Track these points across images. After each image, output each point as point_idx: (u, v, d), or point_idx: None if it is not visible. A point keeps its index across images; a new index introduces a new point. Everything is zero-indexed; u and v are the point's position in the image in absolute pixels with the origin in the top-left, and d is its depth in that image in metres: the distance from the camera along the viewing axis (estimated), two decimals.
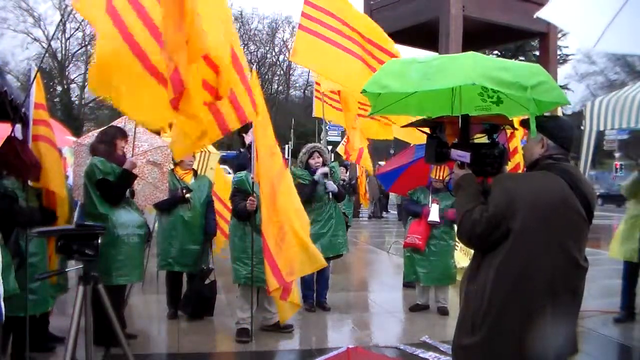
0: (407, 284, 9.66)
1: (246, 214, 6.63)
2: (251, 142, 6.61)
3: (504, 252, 3.24)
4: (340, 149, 15.54)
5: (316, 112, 10.63)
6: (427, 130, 3.82)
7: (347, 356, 6.29)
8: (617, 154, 36.12)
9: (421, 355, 6.47)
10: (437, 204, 8.08)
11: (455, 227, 7.37)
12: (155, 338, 6.95)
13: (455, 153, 3.50)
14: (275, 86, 56.89)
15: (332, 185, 7.99)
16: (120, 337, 4.16)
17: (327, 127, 40.77)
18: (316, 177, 7.94)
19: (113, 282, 5.90)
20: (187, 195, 7.32)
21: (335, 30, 7.65)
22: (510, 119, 3.82)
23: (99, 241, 3.92)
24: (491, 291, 3.27)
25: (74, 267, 3.96)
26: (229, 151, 19.86)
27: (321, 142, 34.45)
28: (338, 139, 42.84)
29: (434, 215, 8.05)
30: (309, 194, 7.78)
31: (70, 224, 5.74)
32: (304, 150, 8.29)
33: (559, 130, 3.46)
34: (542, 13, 4.75)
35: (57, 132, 6.38)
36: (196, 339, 6.79)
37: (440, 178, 8.04)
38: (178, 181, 7.44)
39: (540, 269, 3.24)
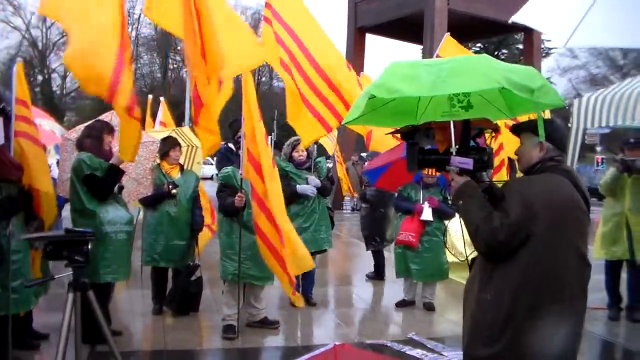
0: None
1: (234, 210, 6.56)
2: (240, 137, 6.54)
3: (527, 257, 3.22)
4: (324, 142, 15.47)
5: None
6: (397, 136, 3.79)
7: (334, 353, 6.29)
8: (598, 148, 36.27)
9: (408, 352, 6.45)
10: (430, 203, 8.06)
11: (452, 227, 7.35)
12: (141, 334, 6.88)
13: (456, 160, 3.45)
14: (258, 77, 56.67)
15: (314, 181, 7.92)
16: (107, 335, 4.11)
17: None
18: (299, 189, 7.87)
19: (100, 279, 5.83)
20: (173, 191, 7.23)
21: (290, 57, 7.17)
22: (495, 122, 3.82)
23: (89, 247, 3.84)
24: (514, 299, 3.25)
25: (63, 274, 3.88)
26: None
27: None
28: None
29: (427, 214, 8.03)
30: (291, 196, 7.70)
31: (57, 222, 5.65)
32: (287, 142, 8.19)
33: (556, 132, 3.45)
34: (518, 17, 4.85)
35: (43, 127, 6.28)
36: (182, 335, 6.73)
37: (432, 174, 8.01)
38: (164, 176, 7.35)
39: (562, 272, 3.25)
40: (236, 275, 6.66)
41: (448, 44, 9.49)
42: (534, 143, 3.47)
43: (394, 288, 9.34)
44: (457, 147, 3.52)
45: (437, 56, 9.13)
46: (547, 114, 7.13)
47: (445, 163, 3.56)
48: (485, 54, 3.42)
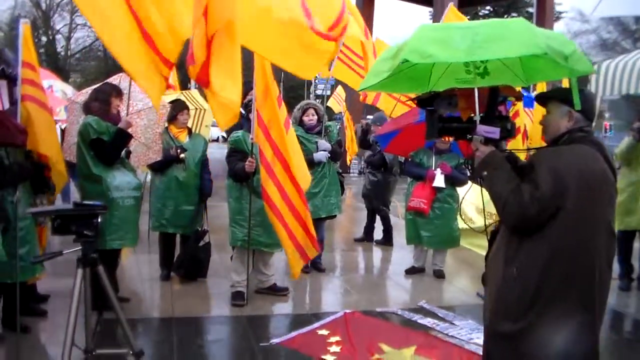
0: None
1: (244, 176, 6.43)
2: (251, 100, 6.40)
3: (556, 232, 3.09)
4: (331, 103, 15.29)
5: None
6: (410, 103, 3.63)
7: (345, 321, 6.23)
8: (606, 114, 35.96)
9: (420, 321, 6.39)
10: (442, 170, 7.92)
11: (467, 195, 7.20)
12: (149, 301, 6.80)
13: (482, 129, 3.30)
14: None
15: (325, 145, 7.79)
16: (116, 307, 4.00)
17: (316, 81, 40.52)
18: (316, 158, 7.76)
19: (106, 245, 5.73)
20: (182, 155, 7.09)
21: None
22: (517, 89, 3.67)
23: (99, 220, 3.68)
24: (542, 275, 3.13)
25: (71, 250, 3.74)
26: None
27: (310, 96, 34.03)
28: (328, 92, 42.58)
29: (439, 180, 7.89)
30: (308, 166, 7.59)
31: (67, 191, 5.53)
32: (298, 106, 8.07)
33: (586, 102, 3.28)
34: None
35: (54, 89, 6.12)
36: (190, 302, 6.66)
37: (446, 139, 7.85)
38: (172, 140, 7.21)
39: (593, 247, 3.14)
40: (245, 242, 6.57)
41: (451, 15, 9.33)
42: (562, 112, 3.32)
43: (403, 254, 9.33)
44: (481, 115, 3.36)
45: None
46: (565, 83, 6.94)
47: (467, 131, 3.41)
48: (521, 18, 3.22)
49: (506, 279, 3.26)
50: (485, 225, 4.25)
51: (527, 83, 3.78)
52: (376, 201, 10.14)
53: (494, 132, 3.27)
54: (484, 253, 9.03)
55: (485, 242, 9.08)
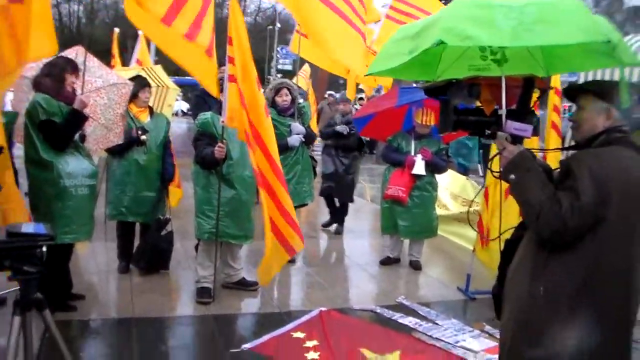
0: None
1: (213, 162, 5.86)
2: (222, 78, 5.84)
3: (595, 248, 2.65)
4: (300, 82, 14.74)
5: (293, 47, 9.64)
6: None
7: (321, 322, 5.79)
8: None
9: (400, 320, 5.96)
10: (423, 155, 7.43)
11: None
12: (105, 298, 6.19)
13: (512, 125, 2.81)
14: (226, 11, 55.19)
15: (298, 128, 7.26)
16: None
17: (278, 55, 40.00)
18: (290, 142, 7.24)
19: (57, 240, 5.09)
20: (143, 137, 6.47)
21: None
22: (545, 79, 3.20)
23: (44, 249, 2.86)
24: (576, 296, 2.70)
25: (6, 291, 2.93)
26: (176, 76, 18.70)
27: (272, 70, 33.79)
28: (289, 67, 41.93)
29: (419, 167, 7.40)
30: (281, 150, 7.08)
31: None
32: (270, 86, 7.55)
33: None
34: None
35: None
36: (152, 298, 6.10)
37: (426, 123, 7.38)
38: (132, 120, 6.57)
39: (635, 264, 2.72)
40: (213, 234, 6.03)
41: None
42: (599, 109, 2.83)
43: (374, 242, 9.08)
44: (508, 109, 2.86)
45: None
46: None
47: (486, 126, 2.92)
48: None
49: (531, 298, 2.80)
50: (500, 232, 3.75)
51: (545, 74, 3.29)
52: (347, 188, 9.48)
53: (526, 129, 2.80)
54: (458, 241, 8.79)
55: (460, 230, 8.84)
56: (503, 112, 2.86)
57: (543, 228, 2.67)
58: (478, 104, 3.11)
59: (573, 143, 3.10)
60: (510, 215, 6.56)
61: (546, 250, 2.76)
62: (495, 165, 2.98)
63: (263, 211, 5.55)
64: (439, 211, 8.16)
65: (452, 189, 9.78)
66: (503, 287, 3.08)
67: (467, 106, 3.06)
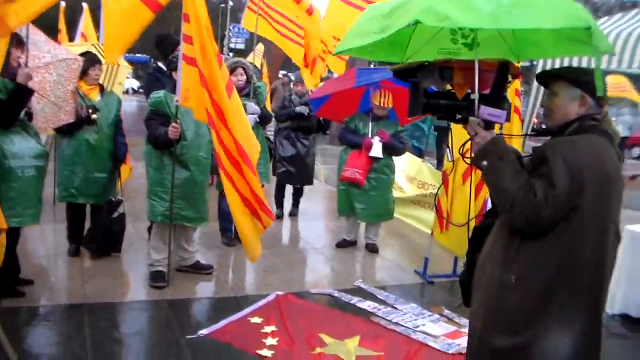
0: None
1: (166, 143, 5.69)
2: (176, 56, 5.65)
3: (568, 236, 2.60)
4: (254, 60, 14.52)
5: (245, 23, 9.41)
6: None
7: (278, 306, 5.70)
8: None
9: (359, 304, 5.90)
10: (381, 137, 7.34)
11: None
12: (55, 283, 5.95)
13: (485, 111, 2.72)
14: None
15: (253, 108, 7.10)
16: None
17: (230, 34, 39.39)
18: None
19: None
20: (93, 116, 6.23)
21: None
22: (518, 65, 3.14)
23: None
24: (550, 284, 2.66)
25: None
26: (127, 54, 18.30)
27: (224, 49, 33.08)
28: (242, 46, 41.39)
29: (377, 150, 7.31)
30: None
31: None
32: (225, 65, 7.32)
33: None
34: None
35: None
36: (104, 282, 5.91)
37: (384, 105, 7.30)
38: (82, 98, 6.31)
39: (605, 253, 2.69)
40: (167, 217, 5.86)
41: None
42: (573, 96, 2.77)
43: (329, 224, 9.10)
44: (481, 93, 2.77)
45: None
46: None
47: (458, 110, 2.84)
48: None
49: (503, 286, 2.75)
50: (468, 219, 3.69)
51: (519, 59, 3.23)
52: (308, 171, 9.24)
53: (500, 115, 2.72)
54: (414, 223, 8.76)
55: (416, 212, 8.80)
56: (476, 96, 2.77)
57: (516, 216, 2.61)
58: (449, 87, 3.02)
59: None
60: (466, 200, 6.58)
61: (518, 238, 2.71)
62: (455, 149, 2.90)
63: (230, 191, 5.36)
64: (394, 194, 8.11)
65: (408, 172, 9.73)
66: (472, 274, 3.02)
67: (438, 89, 2.97)
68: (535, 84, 6.45)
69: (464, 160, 3.01)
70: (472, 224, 3.45)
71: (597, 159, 2.61)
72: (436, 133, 14.34)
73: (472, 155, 2.78)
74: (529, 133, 6.24)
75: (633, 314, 5.82)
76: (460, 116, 2.84)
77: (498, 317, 2.77)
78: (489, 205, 6.49)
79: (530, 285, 2.68)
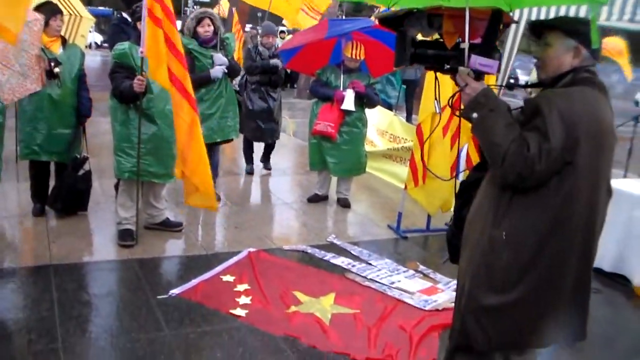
0: None
1: (132, 96, 5.47)
2: (139, 6, 5.41)
3: (562, 192, 2.51)
4: (222, 11, 14.24)
5: None
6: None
7: (251, 263, 5.60)
8: None
9: (332, 260, 5.82)
10: (353, 89, 7.17)
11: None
12: (20, 244, 5.78)
13: (476, 60, 2.59)
14: None
15: (221, 59, 6.89)
16: None
17: None
18: (212, 74, 6.87)
19: None
20: (56, 70, 5.95)
21: None
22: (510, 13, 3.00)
23: None
24: (541, 241, 2.58)
25: None
26: (90, 6, 17.82)
27: (189, 2, 32.70)
28: None
29: (349, 102, 7.14)
30: (201, 82, 6.71)
31: None
32: (192, 16, 7.12)
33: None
34: None
35: None
36: (71, 242, 5.73)
37: (356, 57, 7.12)
38: (44, 51, 6.03)
39: (597, 209, 2.61)
40: (134, 173, 5.68)
41: None
42: (567, 46, 2.65)
43: (300, 179, 8.95)
44: (471, 42, 2.63)
45: None
46: None
47: (446, 60, 2.70)
48: None
49: (493, 242, 2.66)
50: (456, 179, 3.57)
51: (511, 7, 3.08)
52: (277, 126, 9.00)
53: (492, 65, 2.58)
54: (385, 178, 8.68)
55: (387, 166, 8.72)
56: (466, 45, 2.62)
57: (508, 171, 2.50)
58: (437, 36, 2.87)
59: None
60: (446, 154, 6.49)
61: (509, 194, 2.61)
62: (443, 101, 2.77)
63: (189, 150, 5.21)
64: (366, 147, 8.00)
65: (379, 125, 9.63)
66: (459, 230, 2.91)
67: (425, 38, 2.82)
68: (510, 34, 6.34)
69: (454, 113, 2.88)
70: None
71: (592, 113, 2.51)
72: (405, 87, 14.18)
73: (461, 107, 2.66)
74: (503, 85, 6.15)
75: (605, 268, 5.80)
76: (449, 66, 2.70)
77: (487, 274, 2.69)
78: (463, 157, 6.48)
79: (520, 241, 2.59)
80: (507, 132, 2.50)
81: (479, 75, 2.61)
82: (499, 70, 2.66)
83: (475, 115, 2.58)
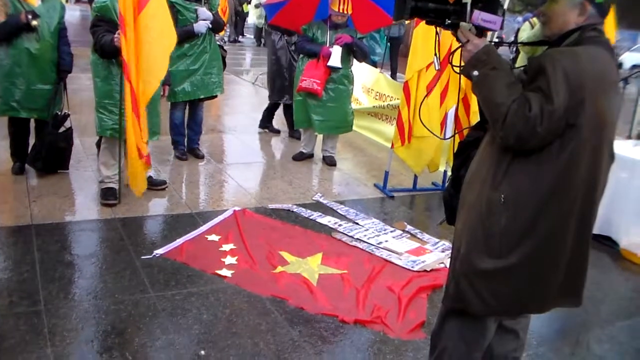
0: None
1: (113, 51, 5.29)
2: None
3: (565, 155, 2.41)
4: None
5: None
6: None
7: (236, 222, 5.52)
8: None
9: (319, 220, 5.76)
10: (340, 45, 7.02)
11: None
12: (0, 204, 5.61)
13: (479, 16, 2.46)
14: None
15: (205, 13, 6.72)
16: None
17: None
18: (196, 29, 6.71)
19: None
20: (34, 22, 5.73)
21: None
22: None
23: None
24: (542, 206, 2.48)
25: None
26: None
27: None
28: None
29: (335, 59, 7.00)
30: (185, 36, 6.54)
31: None
32: None
33: None
34: None
35: None
36: (52, 202, 5.60)
37: (344, 11, 6.96)
38: (20, 3, 5.82)
39: (599, 174, 2.53)
40: (116, 131, 5.54)
41: None
42: (573, 3, 2.52)
43: (285, 137, 8.90)
44: None
45: None
46: None
47: (447, 15, 2.57)
48: None
49: (491, 206, 2.56)
50: (453, 136, 3.47)
51: None
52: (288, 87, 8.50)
53: (495, 21, 2.46)
54: (371, 136, 8.59)
55: (373, 124, 8.62)
56: (468, 0, 2.51)
57: (509, 132, 2.39)
58: None
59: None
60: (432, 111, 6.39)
61: (509, 156, 2.50)
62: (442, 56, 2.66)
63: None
64: (354, 105, 7.89)
65: (365, 83, 9.51)
66: (457, 191, 2.82)
67: None
68: None
69: (453, 70, 2.77)
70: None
71: (599, 75, 2.40)
72: (389, 44, 14.02)
73: (462, 63, 2.55)
74: (493, 41, 6.02)
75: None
76: (450, 21, 2.58)
77: (484, 237, 2.60)
78: (451, 116, 6.40)
79: (520, 205, 2.50)
80: (508, 91, 2.39)
81: (481, 32, 2.51)
82: (501, 27, 2.54)
83: (476, 73, 2.47)
